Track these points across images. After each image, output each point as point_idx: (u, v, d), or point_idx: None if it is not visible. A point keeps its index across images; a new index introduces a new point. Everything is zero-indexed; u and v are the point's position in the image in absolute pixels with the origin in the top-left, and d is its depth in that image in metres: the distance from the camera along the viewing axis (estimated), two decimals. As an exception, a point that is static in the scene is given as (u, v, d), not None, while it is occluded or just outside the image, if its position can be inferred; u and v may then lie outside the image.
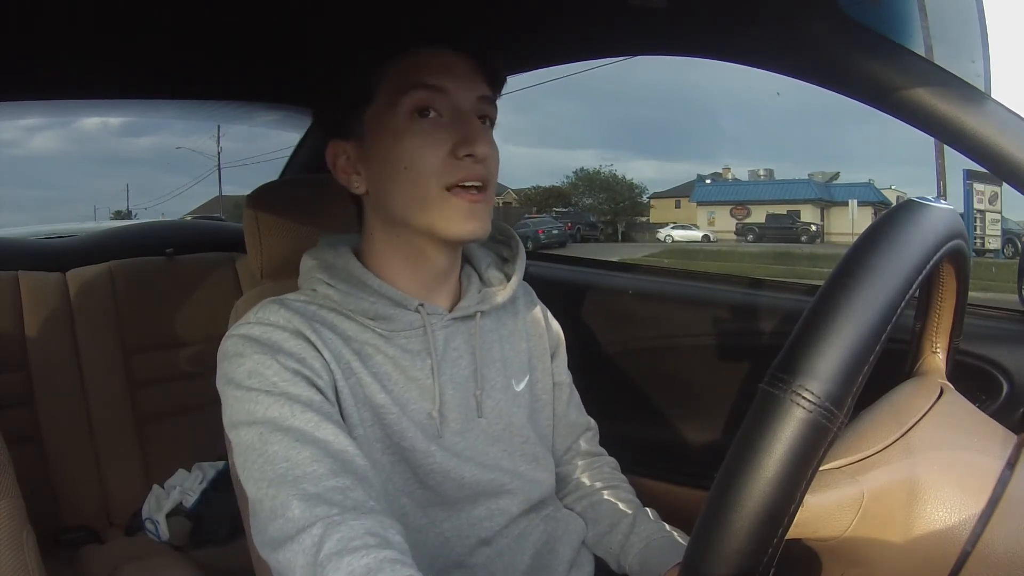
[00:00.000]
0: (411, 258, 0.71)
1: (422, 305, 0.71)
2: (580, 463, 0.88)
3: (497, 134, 0.73)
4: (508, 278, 0.79)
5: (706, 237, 17.20)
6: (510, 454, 0.76)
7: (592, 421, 0.91)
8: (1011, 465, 0.51)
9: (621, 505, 0.84)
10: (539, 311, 0.86)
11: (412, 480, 0.70)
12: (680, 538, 0.79)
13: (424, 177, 0.66)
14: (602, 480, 0.87)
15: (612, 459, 0.91)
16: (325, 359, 0.65)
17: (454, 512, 0.72)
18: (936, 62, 0.81)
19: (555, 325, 0.88)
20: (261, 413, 0.60)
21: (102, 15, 0.95)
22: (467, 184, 0.66)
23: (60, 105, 1.52)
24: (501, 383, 0.77)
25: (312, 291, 0.71)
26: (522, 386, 0.80)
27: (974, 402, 0.63)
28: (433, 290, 0.73)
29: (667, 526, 0.81)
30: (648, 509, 0.84)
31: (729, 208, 17.89)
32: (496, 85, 0.72)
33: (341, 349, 0.67)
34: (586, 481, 0.87)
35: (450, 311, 0.74)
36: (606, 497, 0.85)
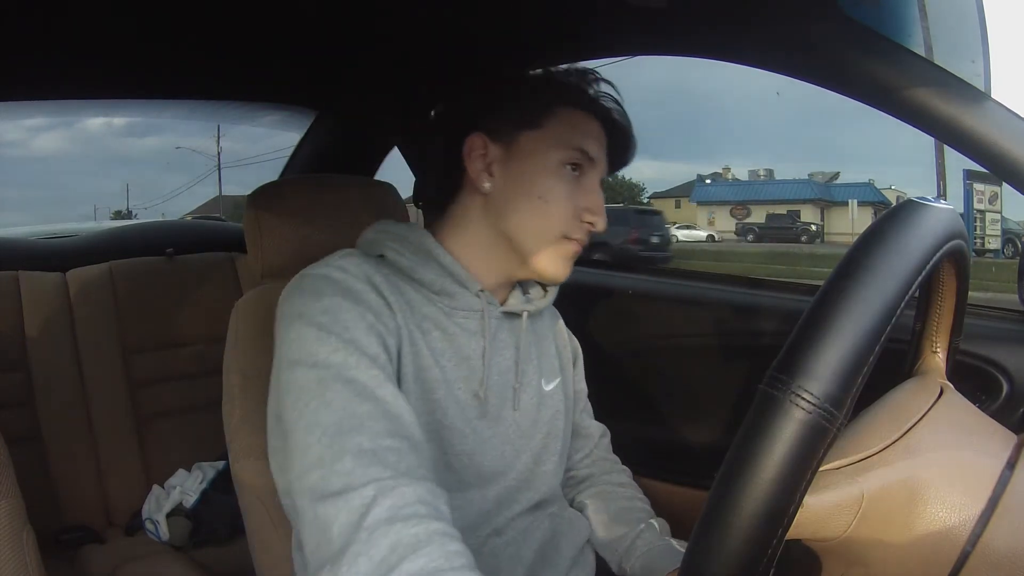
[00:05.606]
0: (494, 258, 0.73)
1: (482, 291, 0.73)
2: (595, 468, 0.90)
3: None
4: (544, 289, 0.82)
5: (711, 237, 17.14)
6: (532, 449, 0.78)
7: (604, 427, 0.93)
8: (1011, 465, 0.51)
9: (632, 512, 0.85)
10: (561, 323, 0.90)
11: (440, 461, 0.70)
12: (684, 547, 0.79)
13: (551, 218, 0.70)
14: (614, 485, 0.89)
15: (625, 467, 0.92)
16: (398, 322, 0.66)
17: (467, 499, 0.72)
18: (936, 62, 0.80)
19: (573, 337, 0.92)
20: (325, 356, 0.59)
21: (106, 15, 0.95)
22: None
23: (64, 105, 1.52)
24: (535, 381, 0.79)
25: (380, 257, 0.71)
26: (551, 387, 0.82)
27: (974, 402, 0.62)
28: (494, 287, 0.75)
29: (675, 541, 0.81)
30: (657, 520, 0.85)
31: (729, 208, 17.87)
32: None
33: (408, 317, 0.68)
34: (598, 486, 0.89)
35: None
36: (617, 502, 0.86)
